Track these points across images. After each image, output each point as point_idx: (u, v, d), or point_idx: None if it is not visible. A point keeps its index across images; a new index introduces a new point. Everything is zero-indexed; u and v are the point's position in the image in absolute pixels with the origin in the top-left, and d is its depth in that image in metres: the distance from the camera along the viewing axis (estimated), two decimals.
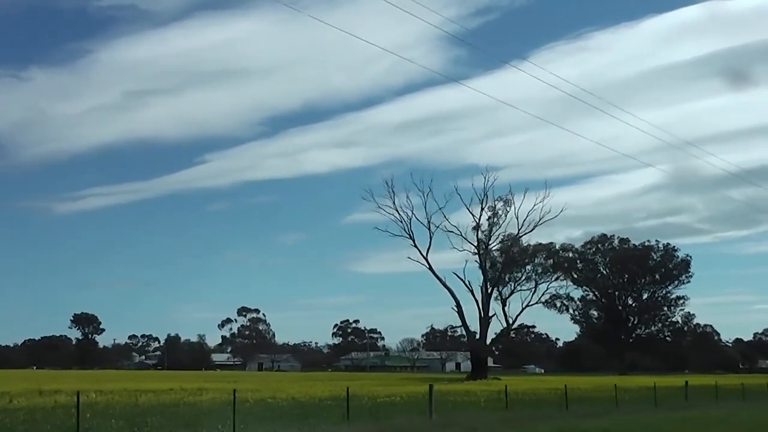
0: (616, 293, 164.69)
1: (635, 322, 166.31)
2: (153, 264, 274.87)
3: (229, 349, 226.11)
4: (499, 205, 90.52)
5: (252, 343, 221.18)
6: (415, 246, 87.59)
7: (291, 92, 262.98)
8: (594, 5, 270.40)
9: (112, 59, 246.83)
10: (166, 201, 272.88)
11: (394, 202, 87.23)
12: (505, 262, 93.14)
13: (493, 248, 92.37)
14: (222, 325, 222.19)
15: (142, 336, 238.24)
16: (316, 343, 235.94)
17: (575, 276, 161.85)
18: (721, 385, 67.77)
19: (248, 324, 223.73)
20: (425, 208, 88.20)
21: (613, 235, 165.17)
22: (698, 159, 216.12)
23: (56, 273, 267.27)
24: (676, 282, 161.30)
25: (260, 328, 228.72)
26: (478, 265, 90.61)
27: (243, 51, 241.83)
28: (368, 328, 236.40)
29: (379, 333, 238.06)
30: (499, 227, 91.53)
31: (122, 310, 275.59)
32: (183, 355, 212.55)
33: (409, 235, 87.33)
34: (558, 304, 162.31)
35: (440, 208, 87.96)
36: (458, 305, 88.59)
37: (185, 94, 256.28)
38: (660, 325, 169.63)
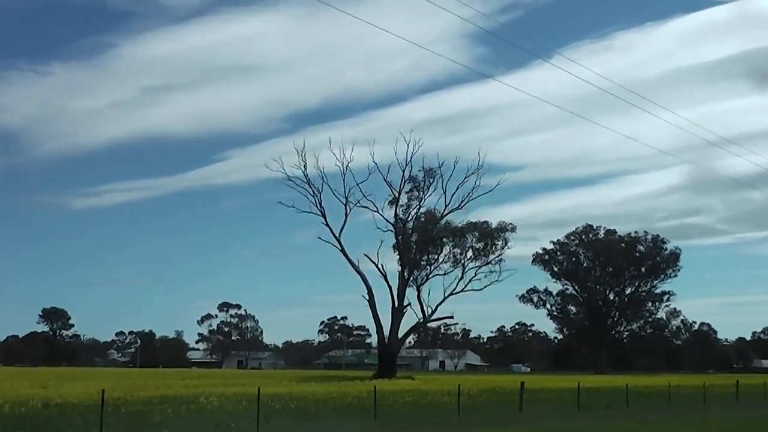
0: (598, 287, 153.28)
1: (617, 319, 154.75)
2: (156, 262, 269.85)
3: (203, 347, 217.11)
4: (421, 176, 79.76)
5: (231, 340, 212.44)
6: (327, 224, 77.06)
7: (309, 89, 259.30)
8: (619, 4, 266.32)
9: (131, 54, 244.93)
10: (181, 198, 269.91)
11: (305, 174, 76.64)
12: (420, 242, 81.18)
13: (410, 226, 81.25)
14: (201, 321, 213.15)
15: (120, 333, 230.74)
16: (302, 340, 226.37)
17: (555, 269, 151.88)
18: (685, 386, 59.21)
19: (229, 320, 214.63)
20: (344, 180, 78.05)
21: (600, 226, 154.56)
22: (719, 160, 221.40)
23: (61, 269, 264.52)
24: (663, 276, 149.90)
25: (248, 325, 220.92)
26: (393, 246, 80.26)
27: (261, 47, 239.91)
28: (356, 324, 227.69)
29: (367, 330, 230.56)
30: (421, 202, 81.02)
31: (117, 306, 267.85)
32: (158, 352, 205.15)
33: (321, 211, 77.42)
34: (535, 299, 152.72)
35: (358, 183, 77.44)
36: (370, 293, 77.25)
37: (203, 90, 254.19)
38: (642, 321, 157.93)
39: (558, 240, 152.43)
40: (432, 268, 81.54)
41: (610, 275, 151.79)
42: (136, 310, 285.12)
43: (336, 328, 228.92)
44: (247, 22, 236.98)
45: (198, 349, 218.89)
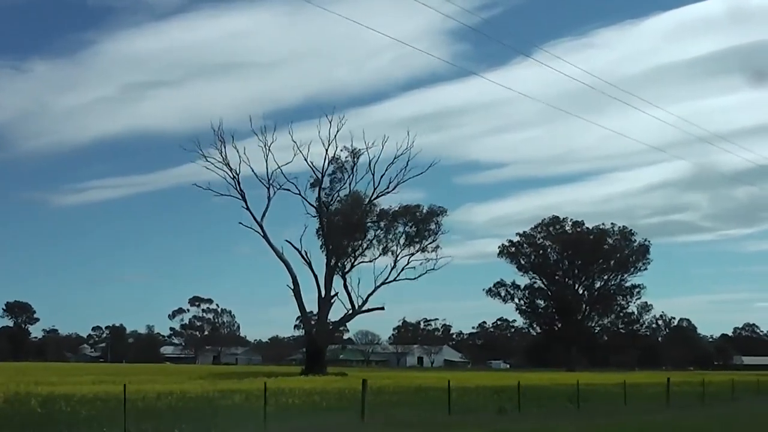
0: (567, 280, 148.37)
1: (587, 313, 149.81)
2: (140, 257, 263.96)
3: (177, 341, 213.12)
4: (345, 155, 75.22)
5: (205, 335, 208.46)
6: (248, 209, 72.78)
7: (294, 85, 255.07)
8: (598, 2, 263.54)
9: (114, 51, 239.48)
10: (167, 194, 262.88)
11: (223, 154, 72.26)
12: (344, 227, 76.27)
13: (333, 210, 76.70)
14: (173, 316, 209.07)
15: (96, 328, 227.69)
16: (275, 336, 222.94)
17: (522, 262, 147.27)
18: (645, 384, 55.98)
19: (201, 315, 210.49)
20: (266, 161, 73.66)
21: (566, 218, 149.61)
22: (703, 157, 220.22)
23: (37, 265, 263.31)
24: (632, 269, 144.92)
25: (224, 320, 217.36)
26: (316, 231, 75.63)
27: (246, 43, 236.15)
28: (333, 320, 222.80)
29: (345, 326, 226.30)
30: (344, 183, 76.46)
31: (94, 301, 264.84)
32: (129, 346, 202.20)
33: (240, 194, 72.83)
34: (503, 293, 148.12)
35: (279, 167, 73.36)
36: (294, 282, 73.06)
37: (188, 87, 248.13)
38: (613, 316, 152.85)
39: (524, 232, 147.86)
40: (357, 254, 76.88)
41: (579, 268, 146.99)
42: (111, 305, 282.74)
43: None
44: (232, 18, 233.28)
45: (172, 344, 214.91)
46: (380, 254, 77.37)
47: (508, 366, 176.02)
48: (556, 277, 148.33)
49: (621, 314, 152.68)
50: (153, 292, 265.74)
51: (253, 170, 73.33)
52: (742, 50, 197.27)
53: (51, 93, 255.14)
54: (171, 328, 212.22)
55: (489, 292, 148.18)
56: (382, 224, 78.10)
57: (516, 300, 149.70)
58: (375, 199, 76.26)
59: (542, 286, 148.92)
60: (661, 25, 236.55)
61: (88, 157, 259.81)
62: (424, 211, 79.32)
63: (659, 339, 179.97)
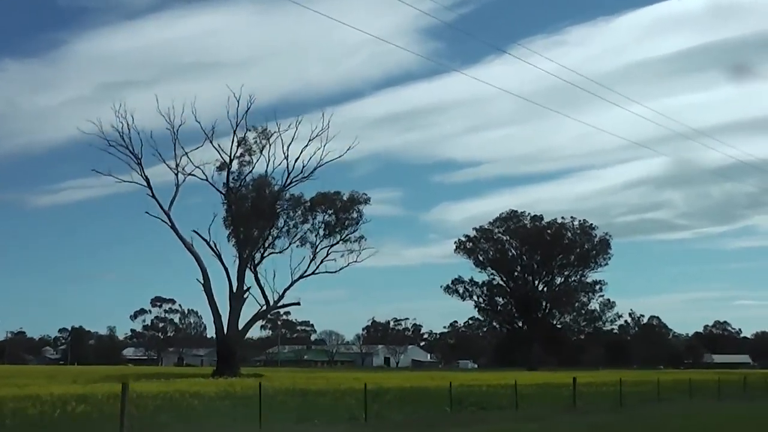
0: (526, 276, 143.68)
1: (548, 310, 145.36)
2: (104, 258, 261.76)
3: (135, 342, 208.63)
4: (253, 137, 70.17)
5: (168, 336, 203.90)
6: (153, 196, 67.43)
7: (268, 84, 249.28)
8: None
9: (87, 50, 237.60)
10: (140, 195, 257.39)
11: (123, 136, 66.71)
12: (252, 214, 70.69)
13: (240, 196, 71.22)
14: (135, 317, 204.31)
15: (63, 330, 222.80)
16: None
17: (480, 258, 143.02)
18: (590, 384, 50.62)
19: (164, 315, 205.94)
20: (174, 145, 68.68)
21: (524, 212, 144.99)
22: (680, 154, 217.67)
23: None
24: (593, 264, 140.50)
25: (192, 321, 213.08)
26: (223, 220, 70.81)
27: (220, 42, 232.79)
28: (299, 320, 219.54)
29: (312, 326, 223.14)
30: (253, 167, 71.25)
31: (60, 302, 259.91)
32: (90, 349, 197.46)
33: (145, 180, 67.27)
34: (461, 290, 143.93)
35: (186, 153, 68.58)
36: (205, 276, 68.04)
37: (162, 86, 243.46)
38: (575, 313, 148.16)
39: (480, 227, 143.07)
40: (268, 245, 72.34)
41: (538, 264, 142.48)
42: (80, 307, 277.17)
43: (279, 323, 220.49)
44: (206, 17, 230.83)
45: (132, 346, 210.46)
46: (296, 244, 72.78)
47: (476, 366, 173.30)
48: (515, 274, 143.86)
49: (583, 311, 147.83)
50: (117, 293, 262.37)
51: (160, 155, 68.42)
52: (716, 46, 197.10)
53: (23, 93, 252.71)
54: (132, 330, 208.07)
55: (447, 289, 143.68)
56: (298, 212, 73.59)
57: (475, 297, 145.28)
58: (290, 185, 71.26)
59: (501, 282, 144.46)
60: (635, 22, 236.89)
61: (62, 158, 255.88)
62: (345, 198, 74.75)
63: (628, 338, 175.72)
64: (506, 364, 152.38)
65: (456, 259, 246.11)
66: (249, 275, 70.48)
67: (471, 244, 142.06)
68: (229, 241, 70.31)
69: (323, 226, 73.61)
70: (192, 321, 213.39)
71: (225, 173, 69.77)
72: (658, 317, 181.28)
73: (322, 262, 72.62)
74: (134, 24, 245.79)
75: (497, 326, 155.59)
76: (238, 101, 67.98)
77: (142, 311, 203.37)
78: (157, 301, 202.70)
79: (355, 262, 73.18)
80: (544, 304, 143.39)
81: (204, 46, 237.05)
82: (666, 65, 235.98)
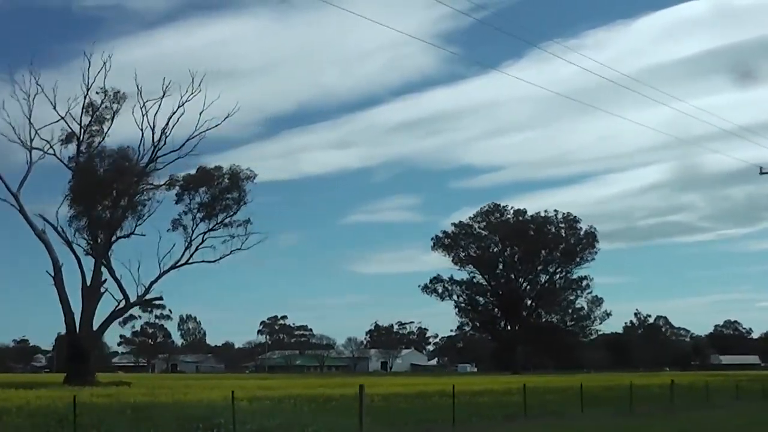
0: (509, 274, 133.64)
1: (533, 310, 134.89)
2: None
3: (125, 349, 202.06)
4: (102, 100, 60.33)
5: (158, 342, 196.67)
6: None
7: (285, 92, 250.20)
8: (587, 4, 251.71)
9: (101, 61, 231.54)
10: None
11: None
12: (97, 191, 60.20)
13: (87, 171, 60.64)
14: (124, 323, 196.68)
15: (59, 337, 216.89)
16: (226, 342, 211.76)
17: (460, 255, 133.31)
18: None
19: (154, 321, 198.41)
20: (30, 120, 59.36)
21: (507, 205, 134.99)
22: (699, 157, 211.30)
23: None
24: (578, 260, 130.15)
25: (190, 326, 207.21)
26: (69, 200, 60.17)
27: (235, 51, 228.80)
28: (296, 324, 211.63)
29: (310, 330, 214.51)
30: (103, 137, 61.49)
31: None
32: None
33: None
34: (440, 290, 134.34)
35: (37, 130, 59.40)
36: (56, 268, 58.19)
37: (177, 96, 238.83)
38: (562, 313, 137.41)
39: (460, 222, 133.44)
40: (130, 232, 62.30)
41: (522, 260, 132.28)
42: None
43: (276, 328, 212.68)
44: (220, 26, 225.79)
45: (119, 353, 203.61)
46: (168, 229, 63.43)
47: (475, 370, 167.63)
48: (497, 271, 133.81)
49: (570, 310, 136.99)
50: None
51: (12, 127, 59.67)
52: (734, 49, 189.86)
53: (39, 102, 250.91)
54: (122, 336, 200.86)
55: (425, 289, 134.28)
56: (163, 190, 63.16)
57: (455, 297, 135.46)
58: (157, 159, 61.04)
59: (482, 281, 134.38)
60: (654, 25, 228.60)
61: None
62: (225, 174, 64.44)
63: (628, 339, 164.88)
64: (503, 368, 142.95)
65: None
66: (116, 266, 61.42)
67: (449, 240, 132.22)
68: (70, 225, 60.40)
69: (198, 207, 63.90)
70: (190, 327, 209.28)
71: (75, 147, 60.60)
72: (665, 317, 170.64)
73: (197, 249, 63.06)
74: (148, 34, 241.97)
75: (479, 326, 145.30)
76: (89, 62, 59.03)
77: (132, 317, 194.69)
78: (147, 306, 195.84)
79: (239, 249, 63.63)
80: (529, 302, 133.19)
81: (219, 56, 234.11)
82: (687, 66, 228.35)
